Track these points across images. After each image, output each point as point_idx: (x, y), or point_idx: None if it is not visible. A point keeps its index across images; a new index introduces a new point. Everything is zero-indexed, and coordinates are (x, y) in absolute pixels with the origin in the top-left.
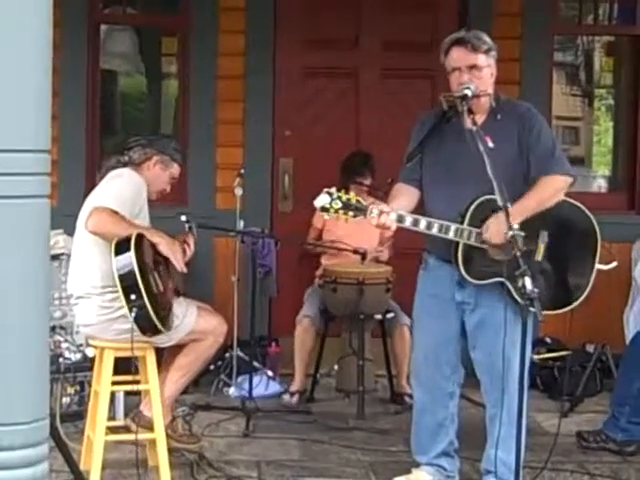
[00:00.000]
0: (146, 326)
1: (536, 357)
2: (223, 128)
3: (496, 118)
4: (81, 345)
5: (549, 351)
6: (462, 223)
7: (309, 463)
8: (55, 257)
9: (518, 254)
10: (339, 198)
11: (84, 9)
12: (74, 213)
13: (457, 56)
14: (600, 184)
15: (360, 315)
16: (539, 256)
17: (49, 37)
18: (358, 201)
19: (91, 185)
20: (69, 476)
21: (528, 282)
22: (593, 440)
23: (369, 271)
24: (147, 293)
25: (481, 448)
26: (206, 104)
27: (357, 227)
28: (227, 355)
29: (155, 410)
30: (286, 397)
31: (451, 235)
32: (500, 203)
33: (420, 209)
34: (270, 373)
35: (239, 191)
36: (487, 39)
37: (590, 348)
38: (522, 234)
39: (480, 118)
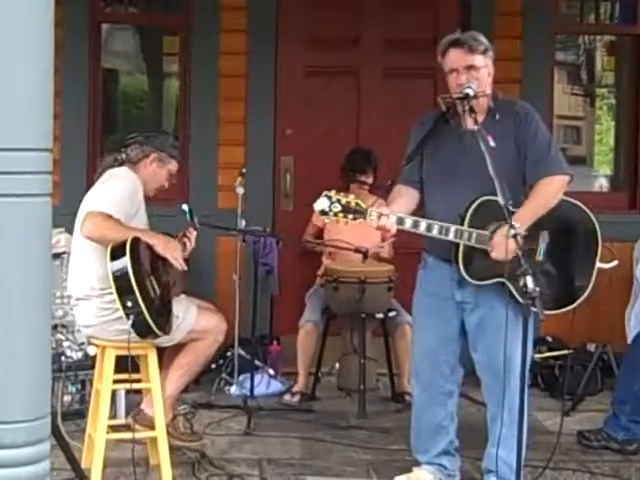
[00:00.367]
0: (144, 331)
1: (537, 356)
2: (225, 127)
3: (495, 118)
4: (82, 344)
5: (550, 350)
6: (462, 224)
7: (310, 461)
8: (56, 256)
9: (519, 253)
10: (338, 201)
11: (86, 8)
12: (75, 212)
13: (454, 57)
14: (602, 183)
15: (362, 314)
16: (539, 255)
17: (51, 36)
18: (358, 204)
19: (92, 184)
20: (70, 474)
21: (529, 281)
22: (594, 439)
23: (371, 270)
24: (143, 299)
25: (482, 447)
26: (208, 103)
27: (358, 226)
28: (228, 354)
29: (156, 408)
30: (287, 397)
31: (451, 236)
32: (502, 202)
33: (420, 210)
34: (271, 372)
35: (241, 190)
36: (484, 39)
37: (591, 347)
38: (523, 233)
39: (479, 118)
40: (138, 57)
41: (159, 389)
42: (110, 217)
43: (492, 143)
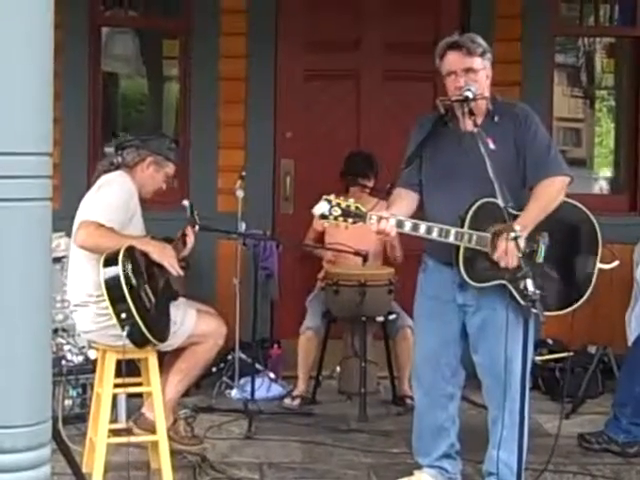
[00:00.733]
0: (140, 342)
1: (538, 358)
2: (224, 130)
3: (494, 120)
4: (83, 347)
5: (551, 352)
6: (462, 226)
7: (311, 465)
8: (57, 260)
9: (519, 256)
10: (338, 205)
11: (85, 11)
12: (75, 216)
13: (453, 60)
14: (602, 185)
15: (362, 317)
16: (540, 257)
17: (50, 40)
18: (357, 208)
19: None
20: (71, 479)
21: (530, 284)
22: (595, 441)
23: (371, 273)
24: (137, 310)
25: (483, 450)
26: (207, 106)
27: (359, 230)
28: (229, 357)
29: (157, 412)
30: (288, 400)
31: (451, 239)
32: (501, 204)
33: (419, 213)
34: (272, 375)
35: (240, 193)
36: (482, 42)
37: (592, 349)
38: (524, 236)
39: (478, 121)
40: (138, 60)
41: (160, 393)
42: (103, 226)
43: (491, 145)
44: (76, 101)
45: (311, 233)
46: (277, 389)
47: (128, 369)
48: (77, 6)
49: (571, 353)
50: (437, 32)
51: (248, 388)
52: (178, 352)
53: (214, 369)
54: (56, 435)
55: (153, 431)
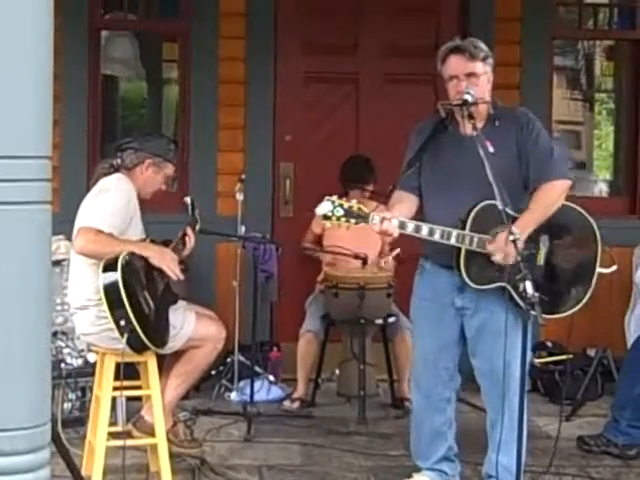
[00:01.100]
0: (139, 348)
1: (537, 361)
2: (224, 133)
3: (495, 124)
4: (82, 350)
5: (550, 355)
6: (463, 229)
7: (310, 468)
8: (56, 263)
9: (519, 258)
10: (341, 206)
11: (84, 15)
12: (75, 219)
13: (455, 64)
14: (601, 188)
15: (361, 320)
16: (540, 260)
17: (50, 43)
18: (360, 209)
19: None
20: None
21: (529, 286)
22: (594, 444)
23: (370, 276)
24: (136, 316)
25: (482, 452)
26: (207, 109)
27: (358, 233)
28: (228, 360)
29: (156, 415)
30: (287, 403)
31: (453, 241)
32: (500, 207)
33: (419, 216)
34: (271, 378)
35: (240, 196)
36: (483, 46)
37: (591, 352)
38: (523, 238)
39: (479, 125)
40: (137, 63)
41: (159, 396)
42: (102, 232)
43: (491, 149)
44: (75, 104)
45: (309, 235)
46: (276, 392)
47: (127, 372)
48: (76, 9)
49: (570, 356)
50: (437, 35)
51: (247, 391)
52: (178, 355)
53: (213, 372)
54: (55, 438)
55: (152, 434)
